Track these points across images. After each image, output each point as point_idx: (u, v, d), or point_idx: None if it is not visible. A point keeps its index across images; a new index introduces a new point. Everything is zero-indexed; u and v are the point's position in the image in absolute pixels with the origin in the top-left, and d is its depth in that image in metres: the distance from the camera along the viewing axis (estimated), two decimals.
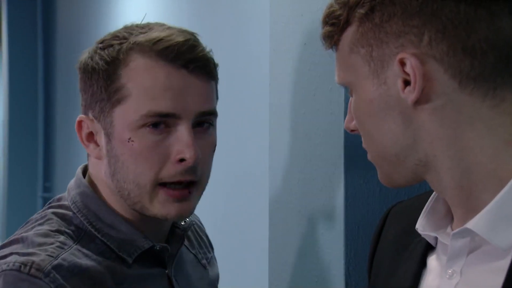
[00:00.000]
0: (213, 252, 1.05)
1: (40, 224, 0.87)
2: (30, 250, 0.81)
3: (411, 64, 0.60)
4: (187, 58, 0.84)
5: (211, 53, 0.88)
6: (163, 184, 0.85)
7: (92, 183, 0.90)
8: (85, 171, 0.93)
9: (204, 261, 1.00)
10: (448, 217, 0.67)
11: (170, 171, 0.84)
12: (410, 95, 0.61)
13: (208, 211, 1.17)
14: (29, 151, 4.25)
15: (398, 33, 0.61)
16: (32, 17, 4.27)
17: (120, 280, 0.85)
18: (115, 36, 0.87)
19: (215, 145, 0.90)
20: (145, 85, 0.84)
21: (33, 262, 0.79)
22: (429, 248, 0.68)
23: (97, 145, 0.88)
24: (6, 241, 0.86)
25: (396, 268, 0.72)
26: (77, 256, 0.83)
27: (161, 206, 0.85)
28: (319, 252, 1.03)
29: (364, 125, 0.66)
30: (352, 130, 0.69)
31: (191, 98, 0.85)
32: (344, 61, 0.66)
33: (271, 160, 1.18)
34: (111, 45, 0.86)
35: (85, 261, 0.83)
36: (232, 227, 1.16)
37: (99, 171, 0.89)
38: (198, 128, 0.86)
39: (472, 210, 0.61)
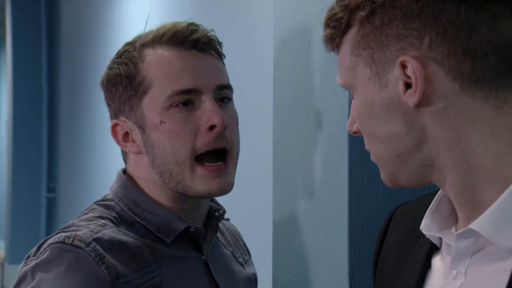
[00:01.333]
0: (250, 256, 1.11)
1: (84, 214, 0.94)
2: (75, 228, 0.89)
3: (412, 67, 0.60)
4: (193, 39, 0.93)
5: (213, 32, 0.96)
6: (200, 161, 0.92)
7: (131, 179, 0.97)
8: (124, 172, 1.00)
9: (241, 259, 1.07)
10: (452, 218, 0.67)
11: (204, 140, 0.91)
12: (412, 97, 0.61)
13: None
14: (33, 151, 4.26)
15: (398, 36, 0.61)
16: (36, 18, 4.28)
17: (159, 257, 0.91)
18: (126, 44, 0.98)
19: (237, 118, 0.98)
20: (164, 70, 0.92)
21: (76, 235, 0.87)
22: (433, 248, 0.68)
23: (134, 142, 0.95)
24: (57, 230, 0.93)
25: (401, 268, 0.72)
26: (117, 233, 0.90)
27: (203, 182, 0.91)
28: (323, 252, 1.03)
29: (366, 128, 0.66)
30: (355, 132, 0.69)
31: (207, 73, 0.93)
32: (345, 64, 0.66)
33: (275, 160, 1.18)
34: (125, 51, 0.96)
35: (124, 237, 0.90)
36: (236, 227, 1.16)
37: (138, 168, 0.96)
38: (220, 103, 0.94)
39: (476, 210, 0.61)
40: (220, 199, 1.56)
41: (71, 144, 3.61)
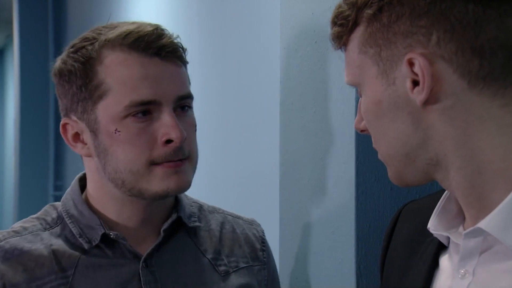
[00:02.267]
0: (258, 263, 1.03)
1: (36, 214, 0.97)
2: None
3: (420, 64, 0.60)
4: (158, 45, 0.89)
5: (178, 39, 0.92)
6: (156, 164, 0.89)
7: (84, 181, 0.97)
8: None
9: (223, 268, 0.99)
10: (460, 217, 0.66)
11: (160, 153, 0.88)
12: (419, 95, 0.61)
13: None
14: (40, 150, 4.28)
15: (406, 33, 0.61)
16: (43, 17, 4.30)
17: (71, 265, 0.90)
18: (84, 38, 0.92)
19: (196, 124, 0.95)
20: (123, 78, 0.88)
21: None
22: (441, 247, 0.68)
23: (84, 144, 0.92)
24: None
25: (408, 267, 0.71)
26: (28, 240, 0.91)
27: (160, 181, 0.89)
28: (330, 251, 1.03)
29: (373, 126, 0.66)
30: (362, 131, 0.69)
31: (168, 84, 0.89)
32: (353, 62, 0.66)
33: (281, 158, 1.18)
34: (83, 47, 0.90)
35: (29, 246, 0.90)
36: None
37: (87, 169, 0.95)
38: (179, 111, 0.91)
39: (483, 210, 0.61)
40: (227, 198, 1.57)
41: None
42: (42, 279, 0.88)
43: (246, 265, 1.02)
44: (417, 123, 0.62)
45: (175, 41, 0.91)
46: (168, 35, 0.90)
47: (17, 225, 0.94)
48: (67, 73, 0.91)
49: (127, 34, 0.88)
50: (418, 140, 0.62)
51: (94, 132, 0.90)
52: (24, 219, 0.96)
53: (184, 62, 0.93)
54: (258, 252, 1.04)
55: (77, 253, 0.91)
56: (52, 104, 4.20)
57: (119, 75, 0.88)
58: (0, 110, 7.60)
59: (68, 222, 0.93)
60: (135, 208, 0.93)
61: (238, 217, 1.06)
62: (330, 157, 1.04)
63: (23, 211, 4.30)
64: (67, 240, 0.92)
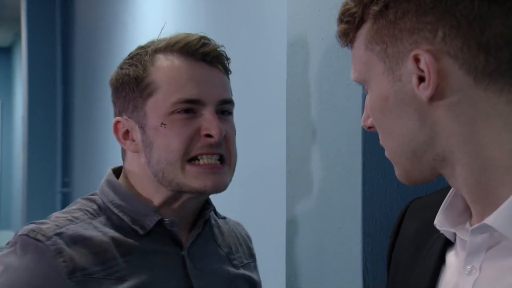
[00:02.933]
0: (253, 260, 1.11)
1: (68, 207, 1.00)
2: (44, 221, 0.94)
3: (425, 61, 0.60)
4: (204, 52, 0.97)
5: (222, 48, 1.00)
6: (192, 161, 0.95)
7: (125, 177, 1.01)
8: (115, 171, 1.04)
9: (236, 262, 1.07)
10: (466, 213, 0.66)
11: (198, 144, 0.95)
12: (425, 91, 0.61)
13: (226, 207, 1.17)
14: (48, 147, 4.29)
15: (412, 29, 0.61)
16: (51, 15, 4.31)
17: (127, 251, 0.94)
18: (139, 48, 1.02)
19: (235, 131, 1.01)
20: (172, 78, 0.96)
21: (40, 229, 0.91)
22: (448, 244, 0.68)
23: (133, 140, 0.99)
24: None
25: (415, 263, 0.71)
26: (85, 228, 0.94)
27: (196, 179, 0.95)
28: (336, 248, 1.03)
29: (380, 122, 0.66)
30: (369, 127, 0.69)
31: (212, 86, 0.97)
32: (359, 59, 0.66)
33: (288, 156, 1.18)
34: (137, 54, 1.00)
35: (89, 232, 0.93)
36: (250, 223, 1.16)
37: (135, 165, 1.00)
38: (220, 115, 0.97)
39: (490, 206, 0.61)
40: (234, 196, 1.57)
41: (86, 139, 3.63)
42: (107, 263, 0.92)
43: (247, 261, 1.09)
44: (424, 120, 0.62)
45: (219, 49, 0.99)
46: (213, 44, 0.99)
47: (62, 215, 0.96)
48: (122, 76, 0.99)
49: (177, 42, 0.98)
50: (424, 136, 0.62)
51: (142, 127, 0.97)
52: (62, 211, 0.98)
53: (227, 70, 1.01)
54: (251, 251, 1.12)
55: (131, 240, 0.95)
56: (60, 101, 4.22)
57: (168, 75, 0.96)
58: (8, 108, 7.64)
59: (116, 211, 0.96)
60: (179, 202, 0.98)
61: (229, 219, 1.13)
62: (336, 154, 1.04)
63: (31, 208, 4.33)
64: (117, 228, 0.95)
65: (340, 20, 0.67)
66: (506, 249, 0.60)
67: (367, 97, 0.68)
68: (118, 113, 1.01)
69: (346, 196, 1.01)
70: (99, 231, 0.94)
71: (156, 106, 0.96)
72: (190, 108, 0.95)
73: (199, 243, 1.01)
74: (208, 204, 1.03)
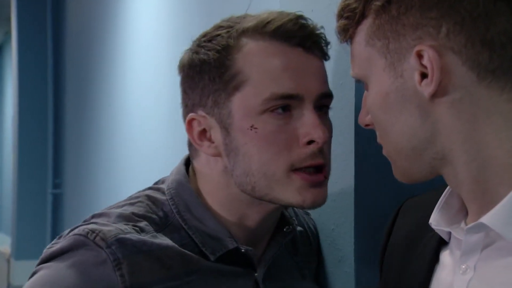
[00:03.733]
0: (317, 259, 0.99)
1: (130, 204, 0.84)
2: (106, 222, 0.80)
3: (429, 56, 0.60)
4: (302, 35, 0.80)
5: (322, 29, 0.84)
6: (296, 170, 0.80)
7: (195, 179, 0.86)
8: (187, 162, 0.89)
9: (305, 271, 0.95)
10: (462, 212, 0.66)
11: (300, 155, 0.79)
12: (427, 88, 0.60)
13: None
14: (39, 147, 4.27)
15: (415, 25, 0.60)
16: (41, 13, 4.29)
17: (193, 270, 0.81)
18: (218, 27, 0.83)
19: (332, 129, 0.86)
20: (264, 68, 0.79)
21: (100, 231, 0.78)
22: (442, 243, 0.68)
23: (212, 142, 0.83)
24: (97, 212, 0.85)
25: (408, 263, 0.71)
26: (151, 238, 0.80)
27: (297, 193, 0.80)
28: (329, 248, 1.03)
29: (379, 119, 0.65)
30: (367, 125, 0.68)
31: (311, 78, 0.81)
32: (359, 55, 0.66)
33: None
34: (218, 35, 0.81)
35: (157, 241, 0.80)
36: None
37: (210, 169, 0.84)
38: (318, 112, 0.82)
39: (487, 205, 0.61)
40: None
41: (77, 140, 3.61)
42: (170, 282, 0.79)
43: (314, 264, 0.98)
44: (425, 116, 0.62)
45: (318, 32, 0.82)
46: (312, 25, 0.82)
47: (125, 221, 0.80)
48: (199, 63, 0.81)
49: (268, 22, 0.80)
50: (425, 133, 0.62)
51: (226, 128, 0.81)
52: (120, 215, 0.81)
53: (326, 57, 0.84)
54: (319, 242, 1.00)
55: (199, 258, 0.82)
56: (51, 101, 4.20)
57: (260, 64, 0.79)
58: None
59: (185, 227, 0.82)
60: (261, 211, 0.84)
61: (298, 210, 0.97)
62: None
63: (21, 209, 4.30)
64: (188, 244, 0.82)
65: (340, 16, 0.67)
66: (502, 249, 0.60)
67: (366, 94, 0.67)
68: (192, 106, 0.83)
69: (339, 197, 1.01)
70: (165, 244, 0.80)
71: (245, 103, 0.78)
72: (286, 104, 0.78)
73: (273, 262, 0.88)
74: (290, 215, 0.90)
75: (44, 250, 0.82)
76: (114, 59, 2.82)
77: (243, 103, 0.79)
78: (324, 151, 0.81)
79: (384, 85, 0.63)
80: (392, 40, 0.62)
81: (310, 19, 0.84)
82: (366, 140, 0.95)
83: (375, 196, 0.97)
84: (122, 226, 0.80)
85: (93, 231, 0.78)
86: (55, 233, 4.05)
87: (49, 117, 4.25)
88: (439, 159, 0.63)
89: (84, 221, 0.84)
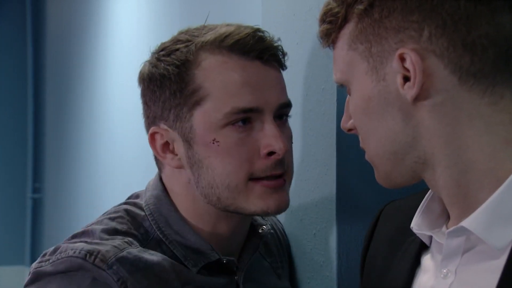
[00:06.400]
0: (287, 259, 1.02)
1: (111, 219, 0.85)
2: (98, 241, 0.81)
3: (411, 60, 0.60)
4: (259, 48, 0.83)
5: (279, 42, 0.87)
6: (255, 179, 0.83)
7: (166, 190, 0.88)
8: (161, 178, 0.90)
9: (279, 271, 0.97)
10: (443, 216, 0.67)
11: (261, 166, 0.82)
12: (410, 91, 0.60)
13: None
14: (18, 150, 4.22)
15: (397, 28, 0.61)
16: (21, 17, 4.25)
17: (186, 281, 0.83)
18: (176, 40, 0.85)
19: (292, 137, 0.89)
20: (223, 82, 0.81)
21: (98, 252, 0.79)
22: (423, 247, 0.68)
23: (175, 154, 0.85)
24: (77, 231, 0.85)
25: (389, 267, 0.71)
26: (143, 253, 0.82)
27: (260, 200, 0.83)
28: (311, 253, 1.03)
29: (362, 123, 0.65)
30: (350, 130, 0.68)
31: (270, 90, 0.83)
32: (342, 59, 0.66)
33: None
34: (177, 49, 0.83)
35: (151, 258, 0.81)
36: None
37: (176, 182, 0.87)
38: (278, 121, 0.85)
39: (468, 209, 0.61)
40: None
41: (57, 144, 3.58)
42: None
43: (286, 264, 1.00)
44: (407, 120, 0.62)
45: (275, 44, 0.85)
46: (269, 37, 0.85)
47: (106, 236, 0.82)
48: (159, 77, 0.83)
49: (226, 36, 0.82)
50: (407, 137, 0.62)
51: (188, 141, 0.83)
52: (105, 231, 0.83)
53: (283, 67, 0.88)
54: (288, 247, 1.02)
55: (189, 270, 0.84)
56: (31, 103, 4.15)
57: (219, 80, 0.81)
58: None
59: (166, 242, 0.84)
60: (231, 222, 0.87)
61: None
62: (311, 159, 1.04)
63: (0, 213, 4.24)
64: (171, 258, 0.84)
65: (322, 21, 0.67)
66: (482, 253, 0.60)
67: (348, 98, 0.67)
68: (153, 118, 0.85)
69: (321, 202, 1.01)
70: (158, 257, 0.82)
71: (206, 118, 0.81)
72: (246, 117, 0.81)
73: (251, 265, 0.91)
74: (262, 218, 0.92)
75: (33, 270, 0.82)
76: (95, 62, 2.80)
77: (204, 118, 0.82)
78: (284, 160, 0.84)
79: (366, 89, 0.63)
80: (375, 44, 0.62)
81: (267, 31, 0.86)
82: (348, 145, 0.95)
83: (357, 200, 0.97)
84: (115, 242, 0.81)
85: (91, 253, 0.79)
86: (35, 238, 4.01)
87: (29, 119, 4.21)
88: (420, 163, 0.63)
89: (68, 242, 0.84)
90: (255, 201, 0.83)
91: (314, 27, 0.71)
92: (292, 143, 0.88)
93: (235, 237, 0.89)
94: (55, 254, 0.81)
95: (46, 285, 0.79)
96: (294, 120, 1.09)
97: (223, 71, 0.82)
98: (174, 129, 0.84)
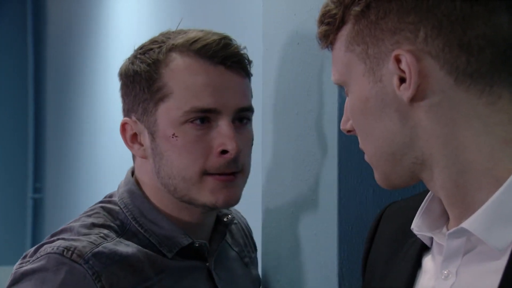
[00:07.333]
0: (255, 252, 1.09)
1: (87, 216, 0.91)
2: (75, 237, 0.86)
3: (407, 61, 0.60)
4: (223, 55, 0.89)
5: (245, 50, 0.93)
6: (209, 174, 0.89)
7: (137, 183, 0.95)
8: (133, 172, 0.97)
9: (247, 259, 1.04)
10: (443, 217, 0.66)
11: (214, 163, 0.89)
12: (406, 92, 0.60)
13: None
14: (18, 151, 4.22)
15: (393, 30, 0.61)
16: (22, 17, 4.25)
17: (160, 269, 0.89)
18: (153, 41, 0.93)
19: (253, 139, 0.95)
20: (186, 83, 0.89)
21: (75, 248, 0.84)
22: (424, 248, 0.68)
23: (141, 145, 0.93)
24: (56, 230, 0.91)
25: (390, 268, 0.71)
26: (119, 245, 0.87)
27: (210, 194, 0.89)
28: (312, 254, 1.03)
29: (360, 125, 0.65)
30: (349, 131, 0.69)
31: (230, 94, 0.90)
32: (340, 60, 0.66)
33: (263, 161, 1.17)
34: (151, 49, 0.91)
35: (125, 249, 0.87)
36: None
37: (144, 171, 0.94)
38: (237, 123, 0.91)
39: (468, 210, 0.61)
40: None
41: (58, 144, 3.58)
42: (145, 283, 0.87)
43: (253, 254, 1.07)
44: (404, 121, 0.62)
45: (241, 52, 0.92)
46: (235, 45, 0.91)
47: (90, 231, 0.88)
48: (132, 73, 0.91)
49: (195, 41, 0.89)
50: (404, 138, 0.62)
51: (152, 134, 0.90)
52: (82, 226, 0.89)
53: (248, 74, 0.94)
54: (254, 241, 1.09)
55: (162, 257, 0.90)
56: (31, 103, 4.15)
57: (183, 80, 0.89)
58: None
59: (142, 231, 0.90)
60: (193, 211, 0.93)
61: (232, 208, 1.06)
62: (312, 159, 1.04)
63: (1, 213, 4.24)
64: (147, 246, 0.90)
65: (321, 22, 0.67)
66: (483, 254, 0.60)
67: (347, 99, 0.67)
68: (127, 111, 0.93)
69: (322, 202, 1.01)
70: (132, 248, 0.88)
71: (168, 114, 0.88)
72: (204, 117, 0.88)
73: (219, 253, 0.98)
74: (227, 208, 0.99)
75: (14, 271, 0.86)
76: (95, 62, 2.80)
77: (167, 113, 0.89)
78: (238, 159, 0.90)
79: (364, 90, 0.63)
80: (371, 45, 0.62)
81: (235, 40, 0.92)
82: (348, 146, 0.95)
83: (358, 201, 0.97)
84: (91, 237, 0.86)
85: (68, 248, 0.84)
86: (35, 239, 4.01)
87: (30, 121, 4.20)
88: (418, 164, 0.63)
89: (47, 241, 0.89)
90: (206, 193, 0.89)
91: (314, 27, 0.71)
92: (251, 145, 0.95)
93: (201, 226, 0.95)
94: (36, 254, 0.86)
95: (28, 284, 0.83)
96: (295, 120, 1.09)
97: (188, 73, 0.89)
98: (141, 121, 0.91)
